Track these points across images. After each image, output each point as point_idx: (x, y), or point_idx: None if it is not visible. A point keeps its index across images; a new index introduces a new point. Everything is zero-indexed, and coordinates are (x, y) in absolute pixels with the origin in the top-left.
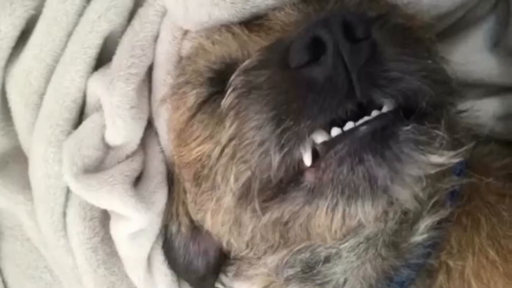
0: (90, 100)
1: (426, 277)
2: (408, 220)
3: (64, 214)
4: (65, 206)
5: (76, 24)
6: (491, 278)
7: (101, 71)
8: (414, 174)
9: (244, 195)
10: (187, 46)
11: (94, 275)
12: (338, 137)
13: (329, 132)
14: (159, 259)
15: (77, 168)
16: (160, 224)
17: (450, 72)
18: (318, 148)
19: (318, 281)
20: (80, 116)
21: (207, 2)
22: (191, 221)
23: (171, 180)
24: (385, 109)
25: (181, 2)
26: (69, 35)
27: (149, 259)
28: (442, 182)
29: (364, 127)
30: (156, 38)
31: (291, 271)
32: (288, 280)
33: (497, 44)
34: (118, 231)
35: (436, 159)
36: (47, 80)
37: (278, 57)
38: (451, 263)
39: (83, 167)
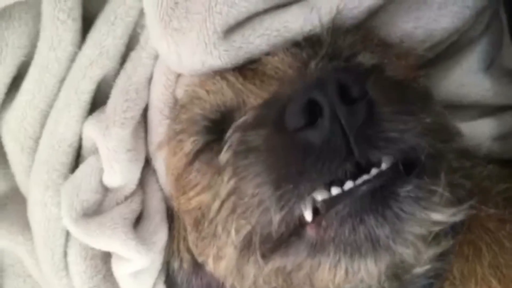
0: (86, 144)
1: None
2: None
3: (65, 254)
4: (66, 246)
5: (68, 70)
6: None
7: (96, 115)
8: (416, 232)
9: (245, 247)
10: (181, 89)
11: None
12: (338, 196)
13: (329, 190)
14: None
15: (76, 213)
16: (161, 260)
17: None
18: (318, 205)
19: None
20: (77, 159)
21: (200, 50)
22: (193, 256)
23: (171, 216)
24: (384, 166)
25: (173, 50)
26: (62, 81)
27: None
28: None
29: (364, 187)
30: (149, 80)
31: None
32: None
33: (491, 65)
34: (120, 270)
35: (437, 216)
36: (42, 125)
37: (274, 116)
38: None
39: (82, 211)
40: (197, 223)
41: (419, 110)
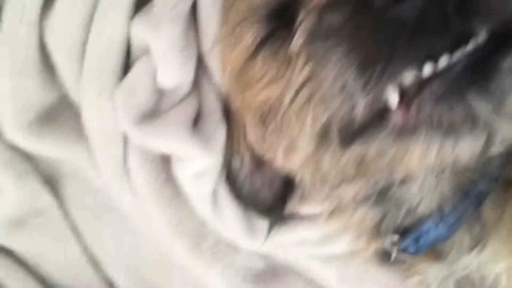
0: (136, 44)
1: (502, 190)
2: None
3: (126, 159)
4: (125, 151)
5: None
6: None
7: (144, 13)
8: None
9: (323, 137)
10: None
11: (163, 214)
12: (432, 76)
13: (421, 69)
14: (224, 191)
15: (133, 117)
16: (222, 160)
17: None
18: (407, 87)
19: (392, 203)
20: (128, 61)
21: None
22: (253, 154)
23: (228, 115)
24: (483, 36)
25: None
26: None
27: (214, 192)
28: None
29: (461, 62)
30: None
31: (363, 195)
32: (360, 202)
33: None
34: (181, 171)
35: None
36: (88, 28)
37: None
38: None
39: (139, 115)
40: (264, 118)
41: None
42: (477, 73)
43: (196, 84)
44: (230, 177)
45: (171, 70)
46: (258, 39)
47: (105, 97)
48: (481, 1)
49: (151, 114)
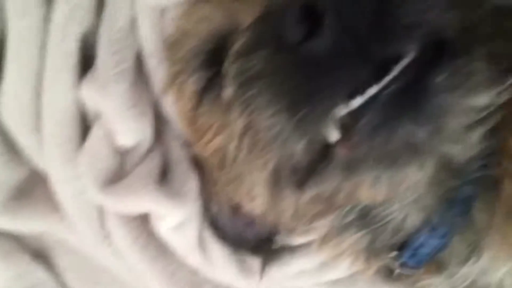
0: (89, 108)
1: (491, 190)
2: None
3: (103, 224)
4: (101, 215)
5: (45, 34)
6: None
7: (89, 76)
8: (461, 124)
9: (276, 183)
10: (169, 24)
11: (153, 271)
12: (364, 105)
13: (352, 100)
14: (210, 237)
15: (99, 182)
16: (201, 207)
17: None
18: (343, 121)
19: (377, 223)
20: (86, 126)
21: None
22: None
23: (199, 161)
24: (409, 57)
25: None
26: (43, 48)
27: (200, 239)
28: None
29: (391, 87)
30: (134, 23)
31: (346, 220)
32: (345, 227)
33: None
34: (161, 227)
35: (482, 100)
36: (39, 99)
37: (271, 34)
38: None
39: (105, 179)
40: (222, 167)
41: None
42: (410, 96)
43: (158, 137)
44: (213, 221)
45: (126, 129)
46: (199, 88)
47: (69, 165)
48: (400, 22)
49: (116, 177)
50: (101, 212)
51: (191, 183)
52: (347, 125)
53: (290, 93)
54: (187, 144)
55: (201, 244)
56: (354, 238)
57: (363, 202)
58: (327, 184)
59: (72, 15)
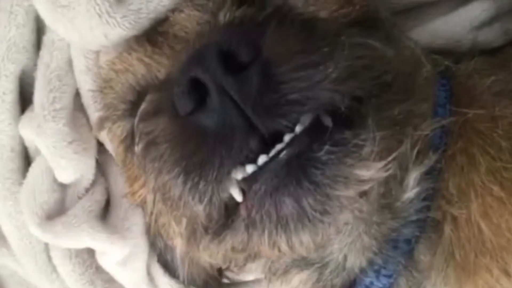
0: (29, 145)
1: (432, 232)
2: (395, 178)
3: (49, 258)
4: (47, 249)
5: None
6: (501, 216)
7: (27, 114)
8: (345, 195)
9: (191, 236)
10: (102, 62)
11: None
12: (256, 172)
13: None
14: (159, 272)
15: (38, 218)
16: (147, 242)
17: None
18: (241, 184)
19: (318, 265)
20: (28, 161)
21: (95, 22)
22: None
23: None
24: (297, 129)
25: (70, 29)
26: None
27: (149, 274)
28: (421, 129)
29: (280, 157)
30: (70, 62)
31: (285, 261)
32: (290, 265)
33: None
34: (106, 262)
35: (365, 173)
36: None
37: (168, 101)
38: (454, 211)
39: (44, 215)
40: (150, 213)
41: (328, 55)
42: (294, 168)
43: (102, 170)
44: (161, 256)
45: (63, 165)
46: (123, 136)
47: (10, 200)
48: (284, 99)
49: (57, 212)
50: (46, 247)
51: (134, 219)
52: (244, 188)
53: (183, 160)
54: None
55: (150, 279)
56: (302, 275)
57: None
58: (236, 237)
59: (7, 54)
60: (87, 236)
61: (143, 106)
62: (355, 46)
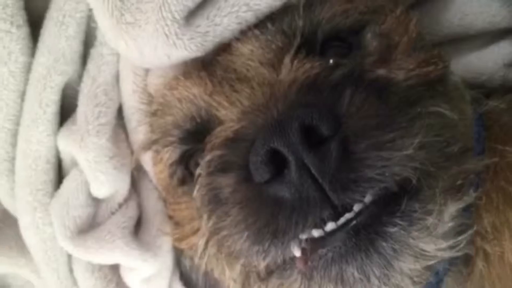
0: (64, 157)
1: (463, 266)
2: None
3: (71, 270)
4: (70, 262)
5: (26, 82)
6: None
7: (67, 126)
8: (410, 267)
9: (246, 281)
10: (153, 82)
11: None
12: (321, 237)
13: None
14: None
15: (70, 232)
16: (172, 260)
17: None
18: (303, 244)
19: None
20: (60, 173)
21: (161, 43)
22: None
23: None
24: (367, 199)
25: (133, 47)
26: (22, 95)
27: None
28: (465, 167)
29: (347, 227)
30: (117, 77)
31: None
32: None
33: None
34: (131, 279)
35: (434, 248)
36: (14, 145)
37: (238, 163)
38: (487, 248)
39: (76, 229)
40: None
41: (405, 132)
42: (362, 238)
43: (135, 186)
44: (184, 275)
45: (102, 180)
46: (172, 161)
47: (40, 212)
48: (361, 176)
49: (89, 226)
50: (69, 260)
51: (164, 237)
52: (307, 248)
53: (254, 224)
54: (163, 196)
55: None
56: None
57: None
58: (288, 281)
59: (54, 65)
60: (120, 253)
61: (208, 157)
62: (429, 116)
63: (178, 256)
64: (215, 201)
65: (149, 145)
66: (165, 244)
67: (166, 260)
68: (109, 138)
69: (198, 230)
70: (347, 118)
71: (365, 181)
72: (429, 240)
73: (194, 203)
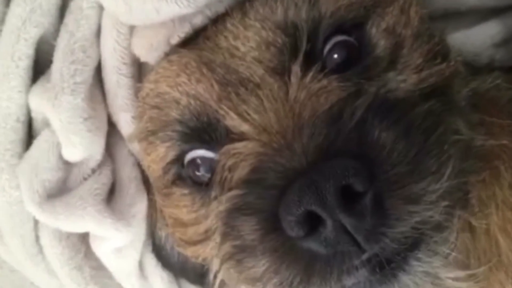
0: (36, 116)
1: None
2: None
3: (37, 238)
4: (36, 229)
5: None
6: None
7: (40, 83)
8: None
9: None
10: (138, 43)
11: None
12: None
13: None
14: (151, 262)
15: (38, 196)
16: (145, 231)
17: None
18: None
19: None
20: (30, 134)
21: None
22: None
23: (148, 182)
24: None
25: (120, 1)
26: None
27: (141, 263)
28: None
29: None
30: (97, 33)
31: None
32: None
33: None
34: (100, 248)
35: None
36: None
37: (264, 208)
38: (474, 222)
39: (45, 193)
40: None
41: (436, 177)
42: (386, 272)
43: (109, 152)
44: (156, 246)
45: (75, 142)
46: (171, 157)
47: (6, 174)
48: (393, 229)
49: (58, 191)
50: (35, 226)
51: (139, 206)
52: None
53: (283, 273)
54: (140, 164)
55: (142, 270)
56: None
57: None
58: None
59: (30, 16)
60: (91, 220)
61: (228, 195)
62: (453, 147)
63: (152, 227)
64: (237, 243)
65: (145, 135)
66: (139, 213)
67: (139, 230)
68: (85, 98)
69: (204, 235)
70: (379, 168)
71: (398, 233)
72: (448, 270)
73: (198, 210)
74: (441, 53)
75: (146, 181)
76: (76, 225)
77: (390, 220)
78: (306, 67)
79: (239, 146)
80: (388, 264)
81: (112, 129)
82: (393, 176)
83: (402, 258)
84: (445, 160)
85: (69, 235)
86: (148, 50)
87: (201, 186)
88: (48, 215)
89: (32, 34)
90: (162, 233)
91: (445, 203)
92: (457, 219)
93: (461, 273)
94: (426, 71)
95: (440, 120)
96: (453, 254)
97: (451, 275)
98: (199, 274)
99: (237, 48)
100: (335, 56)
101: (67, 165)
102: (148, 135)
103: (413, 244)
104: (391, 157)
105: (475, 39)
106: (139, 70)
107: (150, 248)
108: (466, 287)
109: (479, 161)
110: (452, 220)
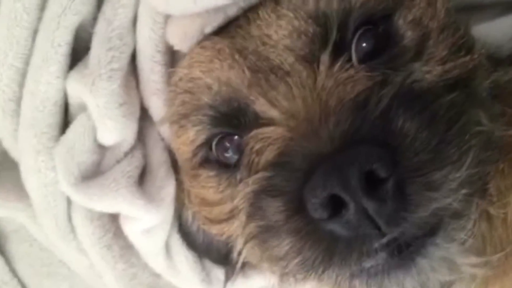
0: (72, 101)
1: None
2: None
3: (70, 218)
4: (69, 209)
5: (39, 20)
6: None
7: (78, 69)
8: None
9: (284, 276)
10: (173, 32)
11: (113, 271)
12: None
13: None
14: (177, 243)
15: (74, 177)
16: (173, 213)
17: None
18: None
19: None
20: (66, 118)
21: None
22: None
23: (176, 166)
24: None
25: None
26: (35, 33)
27: (167, 244)
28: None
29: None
30: (134, 21)
31: None
32: None
33: None
34: (130, 229)
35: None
36: (21, 85)
37: (290, 189)
38: (491, 210)
39: (80, 175)
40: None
41: (455, 165)
42: (407, 255)
43: (141, 137)
44: (182, 227)
45: (110, 127)
46: (201, 140)
47: (43, 156)
48: (411, 216)
49: (93, 173)
50: (68, 206)
51: (168, 189)
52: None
53: (305, 253)
54: (169, 147)
55: (168, 250)
56: None
57: None
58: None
59: (70, 4)
60: (124, 202)
61: (255, 177)
62: (474, 138)
63: (180, 209)
64: (262, 223)
65: (177, 119)
66: (168, 196)
67: (168, 212)
68: (121, 84)
69: (229, 214)
70: (402, 155)
71: (417, 218)
72: (465, 255)
73: (223, 191)
74: (465, 45)
75: (174, 164)
76: (109, 206)
77: (411, 206)
78: (335, 56)
79: (267, 130)
80: (406, 248)
81: (143, 114)
82: (415, 163)
83: (420, 242)
84: (466, 149)
85: (100, 216)
86: (182, 39)
87: (227, 169)
88: (82, 196)
89: (72, 21)
90: (188, 214)
91: (464, 191)
92: (475, 207)
93: (477, 260)
94: (450, 63)
95: (463, 111)
96: (470, 241)
97: (467, 261)
98: (223, 254)
99: (269, 36)
100: (363, 45)
101: (102, 149)
102: (179, 118)
103: (432, 229)
104: (414, 145)
105: (497, 31)
106: (172, 57)
107: (176, 229)
108: (481, 273)
109: (499, 151)
110: (471, 208)
